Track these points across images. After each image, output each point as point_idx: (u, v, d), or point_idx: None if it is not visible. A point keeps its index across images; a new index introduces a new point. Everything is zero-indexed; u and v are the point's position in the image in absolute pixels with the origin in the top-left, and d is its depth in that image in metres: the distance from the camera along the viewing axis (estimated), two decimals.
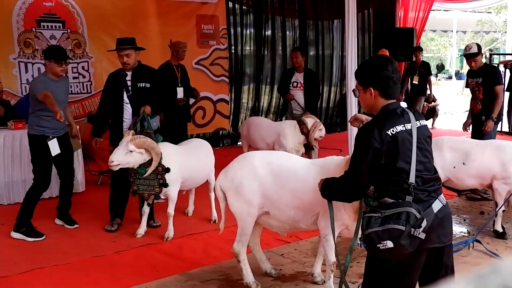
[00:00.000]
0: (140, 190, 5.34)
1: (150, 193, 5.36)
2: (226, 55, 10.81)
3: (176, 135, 7.25)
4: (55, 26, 8.66)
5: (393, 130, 2.74)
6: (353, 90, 3.18)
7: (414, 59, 12.02)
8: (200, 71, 10.20)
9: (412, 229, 2.60)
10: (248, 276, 4.20)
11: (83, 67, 9.03)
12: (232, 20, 11.03)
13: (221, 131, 11.12)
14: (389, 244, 2.62)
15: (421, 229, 2.62)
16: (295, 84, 7.87)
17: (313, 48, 12.53)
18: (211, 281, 4.40)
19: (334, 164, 3.76)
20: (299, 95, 7.84)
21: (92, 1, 9.04)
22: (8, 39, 8.22)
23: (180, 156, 5.52)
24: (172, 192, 5.40)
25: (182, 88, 7.54)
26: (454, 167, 5.51)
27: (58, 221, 5.85)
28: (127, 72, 5.80)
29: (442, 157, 5.44)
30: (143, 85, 5.71)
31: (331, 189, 3.12)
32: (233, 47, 11.09)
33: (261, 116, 11.42)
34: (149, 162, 5.13)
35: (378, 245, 2.65)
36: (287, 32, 12.07)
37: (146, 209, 5.55)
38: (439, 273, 2.89)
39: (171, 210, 5.43)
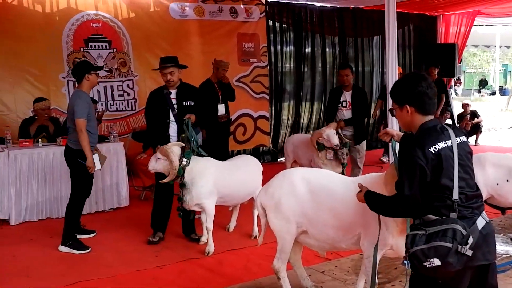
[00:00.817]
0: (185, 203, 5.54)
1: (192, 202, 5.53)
2: (266, 72, 10.95)
3: (219, 151, 7.39)
4: (102, 46, 8.98)
5: (435, 148, 2.75)
6: (390, 109, 3.21)
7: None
8: (241, 88, 10.35)
9: (459, 246, 2.59)
10: None
11: (128, 85, 9.30)
12: (272, 38, 11.18)
13: (261, 148, 11.21)
14: (436, 262, 2.60)
15: (467, 246, 2.60)
16: (344, 103, 7.43)
17: (353, 64, 12.49)
18: None
19: (373, 182, 3.69)
20: (348, 115, 7.43)
21: (137, 22, 9.35)
22: (58, 59, 8.59)
23: (218, 171, 5.61)
24: (207, 206, 5.51)
25: (223, 105, 7.65)
26: (498, 184, 5.38)
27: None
28: (171, 90, 5.94)
29: (484, 174, 5.34)
30: (188, 103, 5.87)
31: (381, 205, 3.09)
32: (273, 65, 11.22)
33: (301, 133, 11.51)
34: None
35: (425, 264, 2.63)
36: (327, 49, 12.13)
37: (210, 226, 5.59)
38: None
39: (209, 224, 5.53)
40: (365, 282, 4.16)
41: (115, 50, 9.13)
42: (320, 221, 3.93)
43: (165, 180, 5.41)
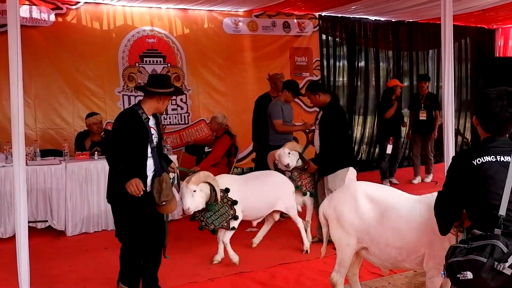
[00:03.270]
0: (217, 225, 5.43)
1: (228, 219, 5.44)
2: None
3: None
4: (157, 61, 9.16)
5: (479, 160, 2.71)
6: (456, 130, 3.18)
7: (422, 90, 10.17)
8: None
9: (496, 263, 2.51)
10: None
11: (181, 99, 9.44)
12: (325, 52, 11.16)
13: None
14: (469, 275, 2.55)
15: (507, 264, 2.51)
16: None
17: (407, 78, 12.35)
18: None
19: None
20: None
21: (191, 37, 9.50)
22: (115, 73, 8.82)
23: (239, 186, 5.65)
24: (236, 224, 5.54)
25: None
26: None
27: None
28: (149, 116, 4.67)
29: None
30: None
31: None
32: (326, 78, 11.18)
33: (354, 146, 11.42)
34: (213, 195, 5.29)
35: (458, 275, 2.59)
36: (381, 63, 12.00)
37: (226, 241, 5.56)
38: None
39: (226, 239, 5.53)
40: None
41: (169, 65, 9.30)
42: (382, 241, 3.86)
43: (218, 202, 5.32)
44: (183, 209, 5.38)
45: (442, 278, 3.44)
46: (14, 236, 4.58)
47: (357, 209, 3.97)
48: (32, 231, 5.53)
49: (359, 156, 11.76)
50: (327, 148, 6.15)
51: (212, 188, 5.27)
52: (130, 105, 5.03)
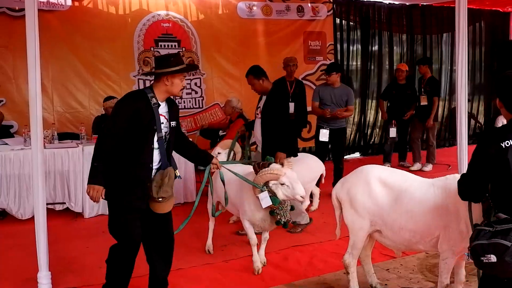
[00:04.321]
0: (283, 219, 4.75)
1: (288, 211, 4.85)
2: None
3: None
4: (171, 45, 9.22)
5: (508, 143, 2.72)
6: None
7: (420, 74, 10.08)
8: (307, 86, 10.33)
9: None
10: None
11: (195, 84, 9.51)
12: (339, 36, 11.15)
13: None
14: (493, 258, 2.58)
15: None
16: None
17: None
18: None
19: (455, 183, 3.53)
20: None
21: (205, 22, 9.54)
22: (130, 58, 8.91)
23: None
24: None
25: (293, 104, 7.77)
26: None
27: None
28: (160, 102, 4.13)
29: None
30: (174, 124, 4.27)
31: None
32: (339, 63, 11.16)
33: (366, 131, 11.44)
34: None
35: (482, 258, 2.63)
36: (394, 47, 11.97)
37: (256, 239, 5.05)
38: None
39: (267, 234, 5.16)
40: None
41: (184, 49, 9.35)
42: (396, 224, 3.90)
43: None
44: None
45: (466, 258, 3.48)
46: (32, 218, 4.65)
47: (370, 192, 4.01)
48: (50, 213, 5.63)
49: (372, 140, 11.79)
50: (272, 136, 5.89)
51: None
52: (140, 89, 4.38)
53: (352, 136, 11.64)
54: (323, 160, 8.08)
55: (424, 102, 9.57)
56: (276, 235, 5.67)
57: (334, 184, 7.25)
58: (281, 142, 5.84)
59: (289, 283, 4.71)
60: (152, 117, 3.90)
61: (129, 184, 3.92)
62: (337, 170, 8.03)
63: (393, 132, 9.60)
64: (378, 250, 5.10)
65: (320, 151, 8.13)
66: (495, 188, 2.83)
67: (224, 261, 5.28)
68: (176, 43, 9.29)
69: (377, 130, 11.83)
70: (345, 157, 11.19)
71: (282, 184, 4.51)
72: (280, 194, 4.53)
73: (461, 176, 3.11)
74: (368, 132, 11.79)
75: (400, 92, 9.57)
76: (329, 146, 8.18)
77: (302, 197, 4.53)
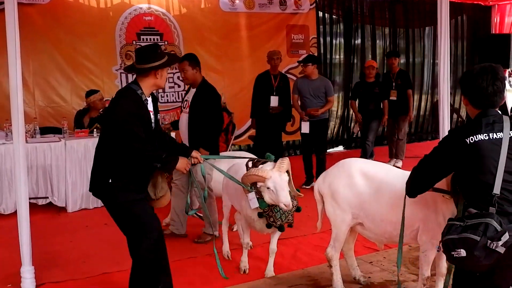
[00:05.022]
0: (284, 220, 4.57)
1: (291, 213, 4.61)
2: None
3: (271, 144, 7.62)
4: (154, 39, 9.15)
5: (472, 139, 2.74)
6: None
7: (388, 68, 9.68)
8: (290, 80, 10.38)
9: (489, 241, 2.55)
10: (338, 282, 4.28)
11: (178, 77, 9.45)
12: (322, 29, 11.16)
13: None
14: (463, 253, 2.61)
15: (500, 243, 2.54)
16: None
17: (403, 56, 12.37)
18: (300, 286, 4.51)
19: None
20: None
21: (188, 15, 9.50)
22: (112, 52, 8.83)
23: None
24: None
25: (277, 97, 7.87)
26: None
27: None
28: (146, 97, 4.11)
29: None
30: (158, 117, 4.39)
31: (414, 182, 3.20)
32: (322, 56, 11.19)
33: (350, 125, 11.50)
34: None
35: (452, 253, 2.65)
36: (377, 41, 12.02)
37: (275, 248, 4.87)
38: None
39: (274, 245, 4.85)
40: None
41: (166, 42, 9.30)
42: (377, 216, 3.93)
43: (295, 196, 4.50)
44: None
45: (435, 251, 3.54)
46: (15, 213, 4.65)
47: (352, 185, 4.03)
48: (33, 207, 5.60)
49: (356, 134, 11.84)
50: (199, 131, 5.58)
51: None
52: (127, 84, 4.07)
53: (335, 129, 11.69)
54: (309, 153, 8.11)
55: (393, 97, 9.14)
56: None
57: (317, 176, 7.34)
58: (207, 139, 5.56)
59: (273, 276, 4.73)
60: (148, 115, 3.90)
61: (139, 180, 3.92)
62: (319, 161, 8.13)
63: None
64: (361, 243, 5.14)
65: (303, 143, 8.31)
66: (464, 183, 2.86)
67: (208, 254, 5.27)
68: (158, 37, 9.23)
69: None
70: (328, 150, 11.31)
71: (268, 188, 4.21)
72: (267, 197, 4.25)
73: (414, 169, 3.14)
74: (351, 125, 11.84)
75: (368, 90, 8.95)
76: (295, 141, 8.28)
77: (286, 205, 4.15)
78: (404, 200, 3.55)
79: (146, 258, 3.89)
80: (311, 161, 8.27)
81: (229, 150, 8.05)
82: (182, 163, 4.05)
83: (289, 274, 4.80)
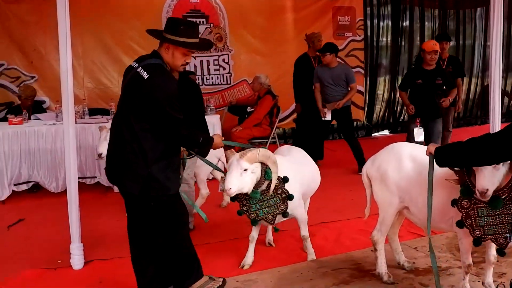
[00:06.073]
0: (261, 215, 4.40)
1: (275, 214, 4.40)
2: (362, 46, 10.81)
3: (314, 125, 7.66)
4: (200, 21, 9.21)
5: None
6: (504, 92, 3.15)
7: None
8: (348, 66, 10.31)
9: None
10: (382, 266, 4.24)
11: (223, 60, 9.52)
12: (369, 11, 11.00)
13: (356, 122, 11.11)
14: None
15: None
16: None
17: (453, 38, 12.05)
18: (343, 270, 4.48)
19: None
20: None
21: None
22: None
23: (292, 165, 4.61)
24: (298, 212, 4.59)
25: None
26: None
27: None
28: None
29: None
30: None
31: (457, 154, 3.17)
32: (369, 39, 11.03)
33: (396, 108, 11.34)
34: (260, 181, 4.26)
35: None
36: (426, 23, 11.77)
37: (255, 235, 4.64)
38: None
39: (305, 232, 4.72)
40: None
41: (212, 25, 9.34)
42: (420, 201, 3.87)
43: (271, 190, 4.26)
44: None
45: (470, 239, 3.48)
46: (65, 191, 4.76)
47: (400, 168, 3.99)
48: (81, 186, 5.72)
49: (402, 117, 11.67)
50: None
51: (265, 172, 4.25)
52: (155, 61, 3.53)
53: (381, 113, 11.55)
54: (324, 138, 8.17)
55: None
56: None
57: (361, 163, 7.35)
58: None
59: (316, 259, 4.73)
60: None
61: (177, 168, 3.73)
62: (353, 148, 7.99)
63: (418, 136, 7.03)
64: (406, 228, 5.09)
65: (321, 130, 8.10)
66: None
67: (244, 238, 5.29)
68: (204, 19, 9.28)
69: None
70: (373, 134, 11.23)
71: None
72: None
73: (473, 141, 3.12)
74: (398, 109, 11.66)
75: (428, 81, 7.06)
76: (334, 126, 8.40)
77: (222, 189, 4.13)
78: (431, 186, 3.52)
79: (183, 247, 3.81)
80: (322, 146, 8.23)
81: (274, 133, 8.06)
82: (217, 139, 3.87)
83: (332, 257, 4.77)
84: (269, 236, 5.17)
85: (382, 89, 11.57)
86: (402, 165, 3.99)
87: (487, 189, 3.17)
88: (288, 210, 4.39)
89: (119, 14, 8.64)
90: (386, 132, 11.64)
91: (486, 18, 11.94)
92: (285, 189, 4.35)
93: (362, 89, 10.91)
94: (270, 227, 5.09)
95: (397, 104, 11.59)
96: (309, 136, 7.97)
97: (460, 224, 3.55)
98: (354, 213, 5.83)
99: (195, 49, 3.77)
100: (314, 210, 5.95)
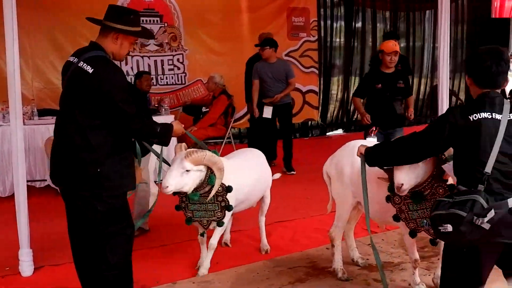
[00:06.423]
0: (196, 217, 4.28)
1: (210, 219, 4.28)
2: (316, 47, 10.91)
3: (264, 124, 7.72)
4: (154, 21, 9.11)
5: (476, 116, 2.78)
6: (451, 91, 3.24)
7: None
8: (290, 62, 10.34)
9: (475, 217, 2.62)
10: (338, 262, 4.29)
11: (178, 59, 9.43)
12: (322, 12, 11.12)
13: (310, 122, 11.24)
14: (449, 228, 2.67)
15: (485, 219, 2.61)
16: None
17: (404, 39, 12.33)
18: (298, 268, 4.50)
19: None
20: None
21: None
22: None
23: (235, 173, 4.37)
24: (226, 218, 4.38)
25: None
26: None
27: None
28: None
29: None
30: None
31: (383, 154, 3.28)
32: (323, 39, 11.15)
33: (350, 107, 11.50)
34: (203, 184, 4.13)
35: (439, 228, 2.72)
36: (378, 24, 11.99)
37: (204, 239, 4.51)
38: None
39: (215, 240, 4.40)
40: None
41: (166, 24, 9.25)
42: (369, 195, 3.93)
43: (210, 196, 4.12)
44: None
45: (425, 226, 3.58)
46: (13, 195, 4.60)
47: (353, 163, 4.05)
48: (31, 190, 5.58)
49: (355, 117, 11.85)
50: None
51: (209, 177, 4.11)
52: (127, 65, 3.59)
53: (335, 112, 11.69)
54: (266, 138, 7.98)
55: None
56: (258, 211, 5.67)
57: (287, 165, 7.63)
58: None
59: (272, 259, 4.74)
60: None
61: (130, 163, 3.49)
62: (286, 147, 7.94)
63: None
64: (360, 225, 5.13)
65: (265, 129, 7.91)
66: (457, 161, 2.92)
67: (208, 237, 5.26)
68: (158, 18, 9.18)
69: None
70: (327, 133, 11.36)
71: None
72: None
73: (401, 140, 3.22)
74: (351, 108, 11.83)
75: (388, 85, 6.23)
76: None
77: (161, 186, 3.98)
78: (365, 185, 3.58)
79: (127, 252, 3.52)
80: (275, 146, 8.15)
81: (229, 133, 8.04)
82: (177, 126, 3.66)
83: (288, 256, 4.79)
84: (226, 237, 5.12)
85: (336, 89, 11.72)
86: (354, 160, 4.03)
87: (402, 184, 3.26)
88: (224, 220, 4.28)
89: (71, 11, 8.42)
90: (340, 131, 11.79)
91: (434, 21, 12.23)
92: (226, 198, 4.21)
93: (316, 89, 11.02)
94: (228, 227, 5.06)
95: (350, 103, 11.76)
96: (262, 136, 7.94)
97: (396, 218, 3.73)
98: (309, 211, 5.89)
99: (148, 38, 3.69)
100: (270, 209, 5.95)
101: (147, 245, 5.00)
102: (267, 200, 5.02)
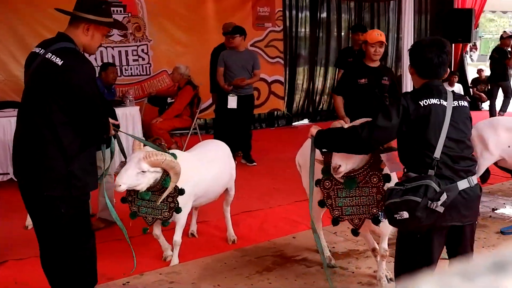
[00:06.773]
0: (141, 212, 4.22)
1: (155, 218, 4.21)
2: (281, 37, 10.93)
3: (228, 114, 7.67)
4: (117, 11, 8.96)
5: (426, 102, 2.85)
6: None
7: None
8: (256, 53, 10.35)
9: (429, 202, 2.69)
10: (325, 250, 4.35)
11: (142, 50, 9.33)
12: (288, 2, 11.14)
13: (276, 112, 11.28)
14: (405, 215, 2.72)
15: (439, 203, 2.69)
16: None
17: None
18: (266, 257, 4.53)
19: None
20: None
21: None
22: None
23: (195, 168, 4.39)
24: (181, 215, 4.30)
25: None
26: (509, 147, 5.51)
27: None
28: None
29: (496, 136, 5.50)
30: None
31: (334, 139, 3.24)
32: (288, 29, 11.19)
33: (315, 98, 11.56)
34: (157, 185, 4.06)
35: (395, 216, 2.76)
36: (343, 15, 12.06)
37: (157, 232, 4.45)
38: (458, 253, 3.01)
39: (177, 237, 4.37)
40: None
41: (129, 14, 9.13)
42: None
43: (159, 201, 4.06)
44: None
45: (380, 217, 3.62)
46: None
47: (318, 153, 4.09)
48: None
49: (320, 107, 11.94)
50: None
51: (164, 179, 4.03)
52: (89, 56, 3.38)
53: (300, 102, 11.75)
54: (232, 128, 7.80)
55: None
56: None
57: (246, 157, 7.56)
58: None
59: (239, 248, 4.76)
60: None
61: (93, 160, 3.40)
62: (245, 137, 7.92)
63: None
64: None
65: (231, 119, 7.75)
66: (406, 147, 2.95)
67: (172, 229, 5.25)
68: (122, 8, 9.05)
69: (325, 97, 11.99)
70: (293, 123, 11.43)
71: None
72: None
73: (355, 127, 3.09)
74: (317, 99, 11.92)
75: (373, 80, 5.48)
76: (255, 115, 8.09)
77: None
78: (312, 168, 3.55)
79: (89, 252, 3.46)
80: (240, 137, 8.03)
81: (195, 124, 8.01)
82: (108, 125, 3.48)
83: (255, 246, 4.81)
84: (193, 227, 5.13)
85: (301, 79, 11.78)
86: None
87: (339, 165, 3.28)
88: (169, 220, 4.23)
89: (33, 3, 8.25)
90: (305, 121, 11.86)
91: (398, 11, 12.37)
92: (176, 200, 4.14)
93: (282, 79, 11.05)
94: (194, 218, 5.08)
95: (316, 93, 11.85)
96: (228, 127, 7.88)
97: (321, 203, 3.68)
98: (276, 201, 5.92)
99: (121, 30, 3.60)
100: (237, 200, 5.98)
101: (113, 237, 4.96)
102: (232, 192, 5.02)
